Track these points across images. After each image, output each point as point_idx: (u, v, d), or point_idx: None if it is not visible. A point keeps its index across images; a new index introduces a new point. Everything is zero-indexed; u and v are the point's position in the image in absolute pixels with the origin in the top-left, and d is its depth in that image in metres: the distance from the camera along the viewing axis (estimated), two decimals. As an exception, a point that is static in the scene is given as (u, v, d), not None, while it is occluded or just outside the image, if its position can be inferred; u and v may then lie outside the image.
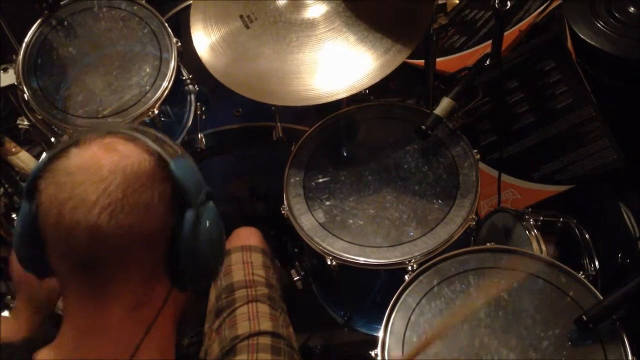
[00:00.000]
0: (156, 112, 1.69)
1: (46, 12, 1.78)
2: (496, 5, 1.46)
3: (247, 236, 1.60)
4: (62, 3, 1.80)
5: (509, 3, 1.45)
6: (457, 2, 2.31)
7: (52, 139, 1.73)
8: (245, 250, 1.56)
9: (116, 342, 0.88)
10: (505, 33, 1.68)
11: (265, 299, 1.45)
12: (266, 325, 1.39)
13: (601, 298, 1.24)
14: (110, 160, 0.83)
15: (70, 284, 0.89)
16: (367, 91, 1.76)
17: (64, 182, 0.83)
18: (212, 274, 0.96)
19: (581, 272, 1.32)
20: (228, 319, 1.42)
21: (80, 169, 0.82)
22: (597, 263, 1.62)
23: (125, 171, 0.82)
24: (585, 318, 1.18)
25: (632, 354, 1.16)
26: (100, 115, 1.69)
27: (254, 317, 1.41)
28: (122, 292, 0.86)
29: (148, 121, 1.69)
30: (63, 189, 0.82)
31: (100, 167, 0.82)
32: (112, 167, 0.82)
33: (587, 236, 1.66)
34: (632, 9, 1.90)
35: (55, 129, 1.69)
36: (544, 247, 1.52)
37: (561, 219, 1.70)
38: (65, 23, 1.79)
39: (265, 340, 1.36)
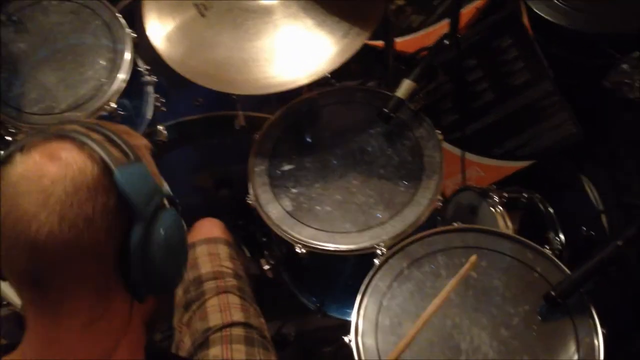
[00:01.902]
0: (113, 105, 1.65)
1: (-8, 9, 1.73)
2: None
3: (210, 228, 1.59)
4: (8, -1, 1.75)
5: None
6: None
7: (9, 138, 1.68)
8: (211, 243, 1.55)
9: (80, 353, 0.86)
10: (462, 11, 1.68)
11: (235, 289, 1.45)
12: (238, 316, 1.39)
13: (568, 272, 1.26)
14: (52, 170, 0.78)
15: (23, 297, 0.86)
16: (329, 75, 1.75)
17: (6, 193, 0.79)
18: (172, 283, 0.93)
19: (547, 247, 1.34)
20: (198, 312, 1.41)
21: (22, 178, 0.79)
22: (562, 237, 1.65)
23: (65, 182, 0.78)
24: (553, 293, 1.20)
25: (601, 326, 1.19)
26: (55, 112, 1.64)
27: (225, 308, 1.40)
28: (75, 306, 0.83)
29: (107, 115, 1.65)
30: (5, 201, 0.79)
31: (41, 177, 0.78)
32: (53, 178, 0.78)
33: (551, 210, 1.69)
34: (585, -18, 1.92)
35: (10, 128, 1.64)
36: (509, 224, 1.54)
37: (525, 195, 1.72)
38: (14, 18, 1.74)
39: (238, 332, 1.35)
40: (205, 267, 1.49)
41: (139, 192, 0.81)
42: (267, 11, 1.64)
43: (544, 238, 1.65)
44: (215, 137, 1.99)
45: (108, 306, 0.86)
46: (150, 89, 1.88)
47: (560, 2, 1.89)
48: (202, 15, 1.66)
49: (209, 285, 1.45)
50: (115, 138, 0.85)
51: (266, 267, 1.69)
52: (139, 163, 0.85)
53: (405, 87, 1.56)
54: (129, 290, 0.85)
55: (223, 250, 1.54)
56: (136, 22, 1.84)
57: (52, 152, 0.80)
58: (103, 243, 0.80)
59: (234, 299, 1.43)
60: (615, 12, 1.87)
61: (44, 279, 0.81)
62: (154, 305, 0.96)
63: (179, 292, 1.50)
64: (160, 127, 1.89)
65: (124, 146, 0.84)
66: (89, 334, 0.85)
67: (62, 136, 0.82)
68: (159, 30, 1.66)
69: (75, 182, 0.78)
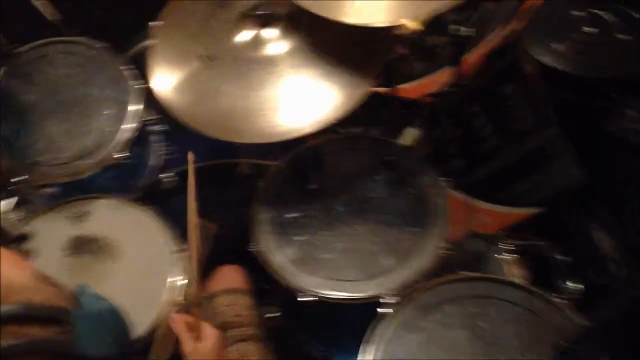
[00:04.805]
0: (118, 156, 1.66)
1: (1, 61, 1.76)
2: (453, 31, 1.47)
3: (232, 276, 1.61)
4: (16, 52, 1.78)
5: (464, 29, 1.47)
6: (413, 29, 2.34)
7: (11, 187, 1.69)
8: (231, 293, 1.57)
9: None
10: (464, 58, 1.69)
11: (254, 338, 1.46)
12: None
13: (578, 321, 1.24)
14: None
15: None
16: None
17: None
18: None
19: (556, 295, 1.32)
20: None
21: None
22: (570, 284, 1.63)
23: None
24: (563, 343, 1.18)
25: (612, 377, 1.16)
26: (60, 162, 1.66)
27: (243, 355, 1.42)
28: None
29: (111, 164, 1.67)
30: None
31: None
32: None
33: (559, 258, 1.67)
34: (585, 29, 1.95)
35: (13, 178, 1.65)
36: (516, 271, 1.53)
37: (533, 242, 1.71)
38: (22, 71, 1.77)
39: None
40: (225, 316, 1.50)
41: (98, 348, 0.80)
42: (271, 62, 1.65)
43: (553, 285, 1.63)
44: (219, 185, 1.99)
45: None
46: (154, 137, 1.90)
47: (560, 48, 1.91)
48: (207, 66, 1.67)
49: (230, 333, 1.46)
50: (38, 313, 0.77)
51: (270, 315, 1.67)
52: (72, 327, 0.78)
53: (409, 135, 1.57)
54: None
55: (244, 300, 1.56)
56: (143, 69, 1.86)
57: None
58: None
59: (252, 347, 1.44)
60: (616, 56, 1.89)
61: None
62: None
63: None
64: (163, 175, 1.90)
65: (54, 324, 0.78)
66: None
67: None
68: (165, 80, 1.68)
69: None
